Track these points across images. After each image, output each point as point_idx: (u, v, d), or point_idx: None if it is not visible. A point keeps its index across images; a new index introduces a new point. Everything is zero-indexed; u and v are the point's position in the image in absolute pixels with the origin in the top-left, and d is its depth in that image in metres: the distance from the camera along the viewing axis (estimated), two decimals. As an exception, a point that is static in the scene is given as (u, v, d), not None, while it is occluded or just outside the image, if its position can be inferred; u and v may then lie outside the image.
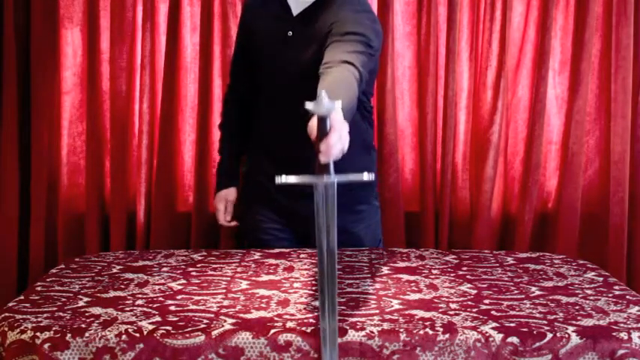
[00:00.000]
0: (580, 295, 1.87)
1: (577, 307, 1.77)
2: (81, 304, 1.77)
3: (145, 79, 2.91)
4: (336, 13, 2.27)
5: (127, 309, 1.73)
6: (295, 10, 2.34)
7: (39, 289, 1.89)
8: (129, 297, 1.83)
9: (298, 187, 2.28)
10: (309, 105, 1.54)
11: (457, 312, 1.72)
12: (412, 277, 2.02)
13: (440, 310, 1.73)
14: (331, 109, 1.55)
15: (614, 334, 1.61)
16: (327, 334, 1.56)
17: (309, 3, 2.32)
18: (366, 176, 1.62)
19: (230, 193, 2.58)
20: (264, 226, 2.50)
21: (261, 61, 2.41)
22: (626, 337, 1.60)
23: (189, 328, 1.60)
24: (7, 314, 1.69)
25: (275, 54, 2.36)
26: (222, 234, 2.95)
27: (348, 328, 1.61)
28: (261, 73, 2.43)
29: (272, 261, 2.19)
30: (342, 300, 1.81)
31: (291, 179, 1.60)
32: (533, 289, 1.93)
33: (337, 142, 1.56)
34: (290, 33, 2.33)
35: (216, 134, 2.92)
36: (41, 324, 1.62)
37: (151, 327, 1.61)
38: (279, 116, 2.38)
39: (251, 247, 2.42)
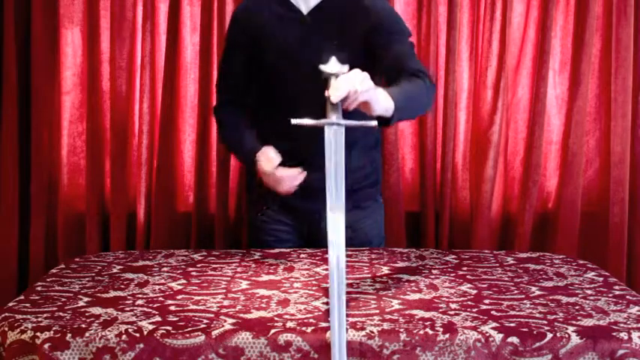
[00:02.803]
0: (580, 295, 1.87)
1: (577, 307, 1.77)
2: (81, 304, 1.77)
3: (145, 79, 2.91)
4: (355, 4, 2.31)
5: (127, 309, 1.73)
6: (305, 9, 2.34)
7: (39, 289, 1.89)
8: (129, 297, 1.83)
9: (304, 184, 2.28)
10: (322, 66, 1.86)
11: (457, 312, 1.73)
12: (412, 277, 2.02)
13: (440, 310, 1.74)
14: (341, 70, 1.82)
15: (614, 334, 1.61)
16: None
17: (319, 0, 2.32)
18: (373, 122, 1.85)
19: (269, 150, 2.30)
20: (269, 227, 2.48)
21: (276, 66, 2.35)
22: (626, 337, 1.60)
23: (189, 328, 1.60)
24: (7, 314, 1.69)
25: (292, 56, 2.32)
26: (216, 234, 2.94)
27: (348, 328, 1.61)
28: (271, 79, 2.37)
29: (272, 261, 2.19)
30: (342, 300, 1.81)
31: (305, 121, 1.80)
32: (533, 289, 1.93)
33: (344, 82, 1.76)
34: (305, 31, 2.33)
35: (215, 135, 2.92)
36: (41, 324, 1.62)
37: (151, 327, 1.61)
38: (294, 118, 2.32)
39: (253, 248, 2.42)
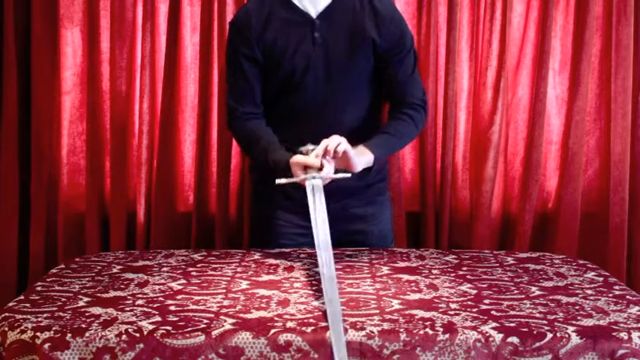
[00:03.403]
0: (580, 295, 1.88)
1: (577, 307, 1.77)
2: (81, 304, 1.77)
3: (145, 79, 2.91)
4: (366, 8, 2.33)
5: (127, 309, 1.73)
6: (314, 12, 2.32)
7: (39, 289, 1.89)
8: (129, 297, 1.83)
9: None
10: (300, 148, 2.16)
11: (457, 312, 1.73)
12: (412, 277, 2.03)
13: (440, 310, 1.74)
14: (316, 146, 2.12)
15: (614, 334, 1.61)
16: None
17: (328, 2, 2.32)
18: (347, 174, 2.15)
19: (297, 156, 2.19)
20: (286, 231, 2.46)
21: (286, 72, 2.32)
22: (626, 337, 1.60)
23: (189, 328, 1.60)
24: (7, 314, 1.69)
25: (303, 61, 2.31)
26: (216, 234, 2.94)
27: (348, 328, 1.61)
28: (282, 87, 2.34)
29: (272, 261, 2.19)
30: (342, 300, 1.81)
31: (285, 180, 2.12)
32: (533, 289, 1.93)
33: (323, 142, 2.12)
34: (317, 34, 2.31)
35: (215, 135, 2.93)
36: (41, 324, 1.62)
37: (151, 327, 1.61)
38: (306, 124, 2.32)
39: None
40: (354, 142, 2.23)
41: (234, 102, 2.37)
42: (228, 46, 2.40)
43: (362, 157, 2.21)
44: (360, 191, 2.45)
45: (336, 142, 2.11)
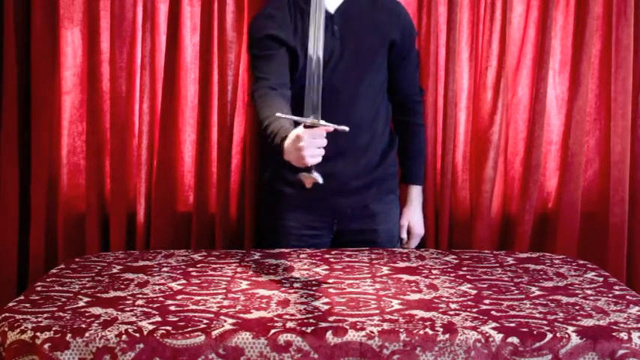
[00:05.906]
0: (580, 295, 1.88)
1: (577, 307, 1.77)
2: (81, 304, 1.77)
3: (145, 79, 2.91)
4: (381, 5, 2.44)
5: (127, 309, 1.73)
6: (331, 8, 2.39)
7: (39, 289, 1.90)
8: (129, 297, 1.83)
9: (330, 177, 2.32)
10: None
11: (457, 312, 1.73)
12: (412, 277, 2.03)
13: (440, 310, 1.74)
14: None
15: (614, 334, 1.61)
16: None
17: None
18: (343, 127, 1.96)
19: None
20: (297, 232, 2.49)
21: (305, 64, 2.29)
22: (626, 337, 1.60)
23: (189, 328, 1.60)
24: (7, 314, 1.69)
25: (326, 50, 2.31)
26: (216, 234, 2.94)
27: (348, 328, 1.61)
28: (300, 76, 2.29)
29: (272, 261, 2.19)
30: (342, 300, 1.81)
31: (283, 116, 2.04)
32: (533, 289, 1.93)
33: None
34: (335, 27, 2.37)
35: (215, 135, 2.93)
36: (41, 324, 1.62)
37: (151, 327, 1.61)
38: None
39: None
40: (362, 134, 2.33)
41: (260, 79, 2.34)
42: (257, 41, 2.42)
43: (416, 206, 2.66)
44: (373, 186, 2.47)
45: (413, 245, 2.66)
